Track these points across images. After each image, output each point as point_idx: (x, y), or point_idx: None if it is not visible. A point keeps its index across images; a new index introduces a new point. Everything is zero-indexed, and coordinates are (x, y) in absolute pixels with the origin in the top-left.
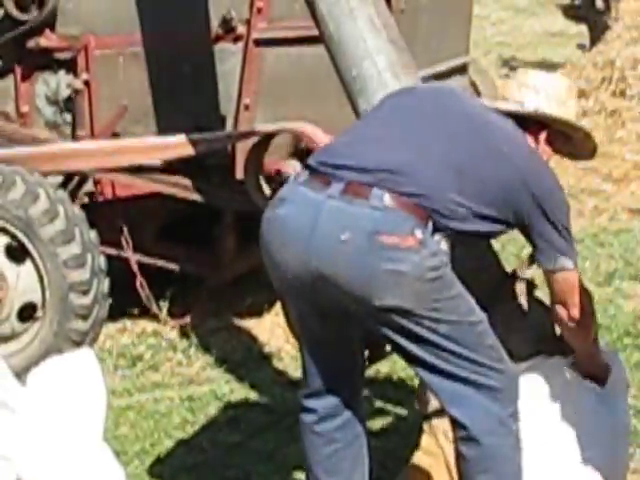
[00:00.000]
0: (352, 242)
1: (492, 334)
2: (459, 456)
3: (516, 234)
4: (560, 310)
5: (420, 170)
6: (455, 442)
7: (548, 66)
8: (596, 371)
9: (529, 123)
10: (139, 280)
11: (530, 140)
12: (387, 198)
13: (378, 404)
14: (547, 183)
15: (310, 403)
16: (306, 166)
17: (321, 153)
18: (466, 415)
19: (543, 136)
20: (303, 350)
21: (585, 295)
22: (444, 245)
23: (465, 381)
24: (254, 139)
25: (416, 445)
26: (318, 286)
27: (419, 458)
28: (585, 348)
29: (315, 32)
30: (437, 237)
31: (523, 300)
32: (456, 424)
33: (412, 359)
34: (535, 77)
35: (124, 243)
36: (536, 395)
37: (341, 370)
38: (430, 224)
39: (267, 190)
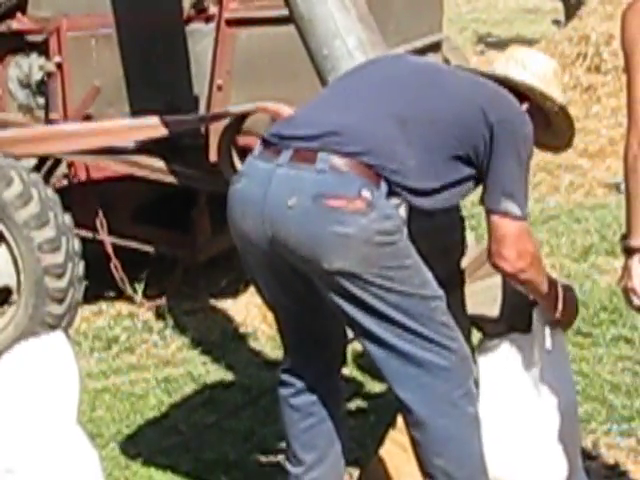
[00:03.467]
0: (299, 206)
1: (447, 312)
2: (413, 441)
3: None
4: (497, 261)
5: (363, 128)
6: (406, 426)
7: (523, 42)
8: (563, 311)
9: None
10: (113, 262)
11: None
12: (333, 161)
13: (355, 384)
14: (511, 114)
15: (287, 376)
16: (261, 140)
17: (274, 126)
18: (415, 398)
19: (523, 108)
20: (277, 323)
21: (532, 244)
22: (402, 211)
23: (413, 359)
24: (227, 120)
25: (391, 424)
26: (276, 254)
27: (395, 437)
28: (537, 295)
29: (286, 11)
30: (394, 201)
31: (490, 280)
32: (405, 407)
33: (361, 330)
34: (524, 52)
35: (99, 226)
36: (505, 371)
37: (314, 342)
38: (383, 185)
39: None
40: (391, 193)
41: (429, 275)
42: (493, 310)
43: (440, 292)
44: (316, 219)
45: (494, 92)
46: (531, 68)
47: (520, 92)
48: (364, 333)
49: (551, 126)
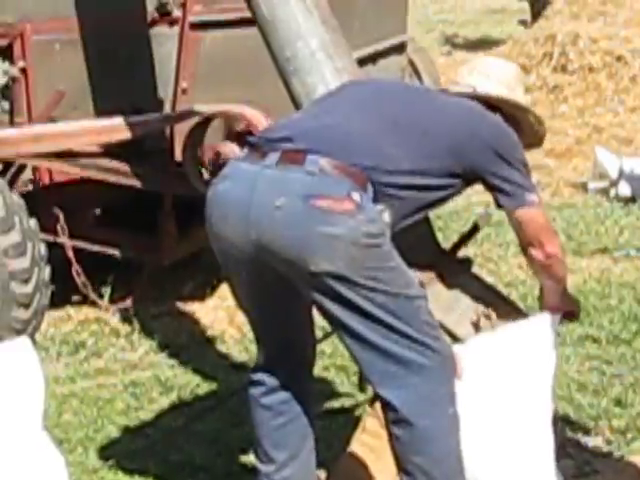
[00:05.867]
0: (287, 207)
1: (430, 312)
2: (391, 437)
3: (459, 209)
4: (535, 252)
5: (353, 130)
6: (386, 423)
7: (490, 43)
8: (569, 305)
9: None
10: (75, 267)
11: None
12: (322, 162)
13: (323, 385)
14: (496, 127)
15: (258, 376)
16: (247, 144)
17: (261, 131)
18: (396, 396)
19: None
20: (251, 323)
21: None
22: (386, 216)
23: (396, 358)
24: (192, 121)
25: (359, 427)
26: (259, 257)
27: (362, 440)
28: (560, 285)
29: (249, 14)
30: (379, 207)
31: (461, 278)
32: (386, 406)
33: (345, 330)
34: (486, 63)
35: (59, 230)
36: (479, 371)
37: (288, 343)
38: (370, 189)
39: (206, 174)
40: (376, 198)
41: (412, 276)
42: (448, 317)
43: (422, 291)
44: (304, 219)
45: (480, 112)
46: (495, 77)
47: (490, 103)
48: (348, 333)
49: (519, 127)
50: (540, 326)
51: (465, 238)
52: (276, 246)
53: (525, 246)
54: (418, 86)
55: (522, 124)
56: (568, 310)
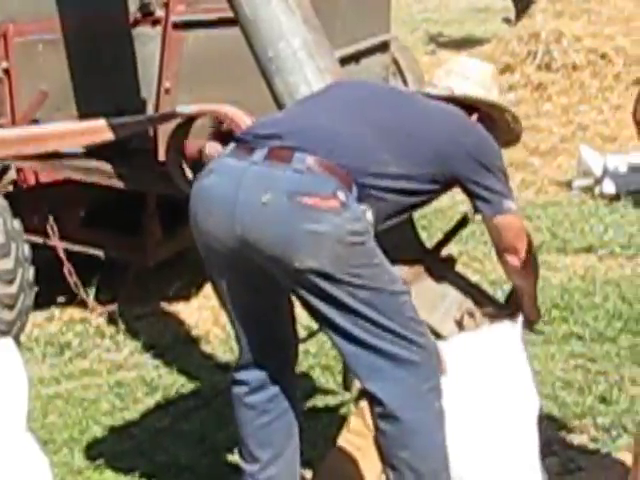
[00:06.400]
0: (273, 203)
1: (414, 308)
2: (378, 431)
3: (443, 207)
4: (510, 257)
5: (340, 132)
6: (373, 418)
7: (474, 41)
8: (534, 312)
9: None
10: (67, 267)
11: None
12: (309, 161)
13: (308, 384)
14: (478, 137)
15: (241, 375)
16: (233, 139)
17: (249, 127)
18: (383, 390)
19: (474, 118)
20: (233, 322)
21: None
22: (369, 215)
23: (383, 353)
24: (176, 121)
25: (344, 426)
26: (243, 253)
27: (347, 438)
28: (531, 289)
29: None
30: (362, 207)
31: (444, 277)
32: (373, 400)
33: (331, 326)
34: (463, 64)
35: (50, 231)
36: (461, 369)
37: (271, 341)
38: (355, 190)
39: (189, 173)
40: (360, 198)
41: (396, 273)
42: (432, 315)
43: (407, 289)
44: (290, 216)
45: (460, 120)
46: (472, 77)
47: (467, 104)
48: (334, 329)
49: (496, 125)
50: (512, 328)
51: (449, 236)
52: (261, 242)
53: (501, 252)
54: (401, 89)
55: (499, 122)
56: (530, 317)
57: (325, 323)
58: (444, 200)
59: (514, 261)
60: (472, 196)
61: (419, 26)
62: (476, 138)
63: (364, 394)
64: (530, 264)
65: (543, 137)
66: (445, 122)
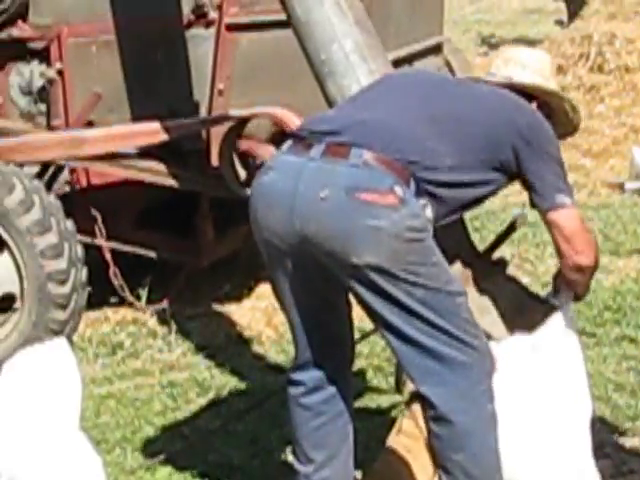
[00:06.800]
0: (331, 199)
1: (470, 310)
2: (431, 434)
3: (496, 209)
4: (565, 259)
5: (395, 125)
6: (426, 421)
7: (526, 43)
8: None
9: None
10: (112, 269)
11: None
12: (366, 156)
13: (360, 385)
14: (532, 118)
15: (297, 375)
16: (290, 135)
17: (303, 124)
18: (437, 393)
19: (534, 106)
20: (290, 322)
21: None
22: (428, 212)
23: (436, 355)
24: (228, 124)
25: (395, 427)
26: (302, 249)
27: (399, 440)
28: (586, 287)
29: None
30: (422, 201)
31: (496, 279)
32: (426, 402)
33: (386, 325)
34: (521, 52)
35: (97, 232)
36: (513, 371)
37: (329, 340)
38: (413, 184)
39: (243, 175)
40: (419, 193)
41: (452, 273)
42: (483, 318)
43: (464, 289)
44: (348, 211)
45: (516, 101)
46: (531, 66)
47: (526, 92)
48: (388, 328)
49: (555, 114)
50: (562, 325)
51: (501, 238)
52: (320, 237)
53: (557, 251)
54: (453, 78)
55: (557, 111)
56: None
57: (380, 322)
58: (496, 202)
59: (583, 261)
60: (527, 187)
61: (471, 27)
62: (530, 119)
63: (417, 396)
64: (589, 270)
65: (595, 139)
66: (498, 102)
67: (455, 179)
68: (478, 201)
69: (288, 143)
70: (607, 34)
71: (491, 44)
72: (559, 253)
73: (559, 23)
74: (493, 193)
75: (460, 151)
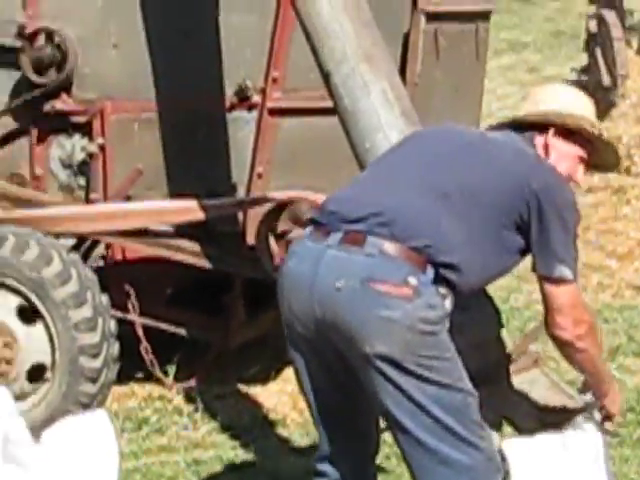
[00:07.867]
0: (346, 289)
1: (478, 410)
2: None
3: (520, 306)
4: (554, 330)
5: (409, 210)
6: None
7: None
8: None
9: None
10: (144, 345)
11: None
12: (382, 245)
13: (384, 475)
14: (553, 180)
15: (322, 466)
16: (310, 220)
17: (325, 204)
18: None
19: (551, 132)
20: (310, 405)
21: (588, 313)
22: (448, 303)
23: (440, 456)
24: (266, 206)
25: None
26: (322, 334)
27: None
28: (596, 380)
29: (329, 103)
30: (442, 290)
31: (525, 375)
32: None
33: (392, 420)
34: (556, 91)
35: (130, 307)
36: (537, 469)
37: (352, 434)
38: (429, 271)
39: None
40: (437, 280)
41: (465, 372)
42: (515, 411)
43: (474, 389)
44: (363, 301)
45: (535, 161)
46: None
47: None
48: (395, 423)
49: (594, 147)
50: (589, 440)
51: (529, 338)
52: (336, 325)
53: (546, 322)
54: (482, 137)
55: (592, 140)
56: (608, 409)
57: (387, 415)
58: (520, 299)
59: (563, 335)
60: (531, 249)
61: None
62: (549, 179)
63: None
64: (572, 346)
65: (621, 240)
66: (517, 162)
67: (469, 255)
68: (496, 275)
69: (309, 228)
70: (636, 137)
71: None
72: (548, 325)
73: None
74: (509, 267)
75: (473, 225)
